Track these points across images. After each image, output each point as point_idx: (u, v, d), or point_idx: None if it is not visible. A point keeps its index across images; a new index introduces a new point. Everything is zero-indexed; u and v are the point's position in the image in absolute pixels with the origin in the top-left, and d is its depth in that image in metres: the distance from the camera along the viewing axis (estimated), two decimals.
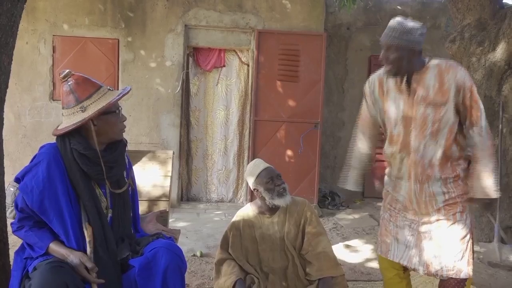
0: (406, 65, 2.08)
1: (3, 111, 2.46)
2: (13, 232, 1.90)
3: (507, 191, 4.10)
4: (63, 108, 1.87)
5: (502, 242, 3.97)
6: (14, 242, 2.50)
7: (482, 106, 2.09)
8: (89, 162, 1.84)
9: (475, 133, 2.09)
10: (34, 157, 1.89)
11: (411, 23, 2.05)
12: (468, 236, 2.14)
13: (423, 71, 2.11)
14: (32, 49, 5.33)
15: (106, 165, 1.87)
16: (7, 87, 2.45)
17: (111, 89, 1.90)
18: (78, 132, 1.83)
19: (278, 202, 2.34)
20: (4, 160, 2.49)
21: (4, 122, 2.49)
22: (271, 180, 2.35)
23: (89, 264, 1.76)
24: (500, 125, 4.05)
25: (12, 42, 2.39)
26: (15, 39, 2.44)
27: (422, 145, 2.13)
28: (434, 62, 2.13)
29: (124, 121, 1.96)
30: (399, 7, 6.42)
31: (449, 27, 6.21)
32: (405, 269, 2.36)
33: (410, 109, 2.14)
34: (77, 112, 1.82)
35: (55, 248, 1.81)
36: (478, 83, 4.17)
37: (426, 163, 2.13)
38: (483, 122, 2.09)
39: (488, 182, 2.07)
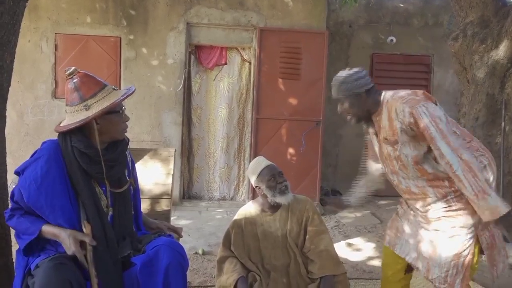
0: (360, 110, 2.15)
1: (6, 109, 2.46)
2: (6, 221, 1.89)
3: (510, 189, 4.09)
4: (66, 105, 1.87)
5: (505, 240, 3.95)
6: None
7: (433, 130, 1.93)
8: (89, 160, 1.84)
9: (439, 159, 1.98)
10: (35, 152, 1.89)
11: (344, 73, 2.17)
12: (467, 251, 2.06)
13: (379, 112, 2.14)
14: (34, 47, 5.33)
15: (106, 164, 1.86)
16: (9, 85, 2.45)
17: (115, 88, 1.90)
18: (80, 130, 1.83)
19: (280, 199, 2.35)
20: (7, 158, 2.50)
21: (7, 120, 2.50)
22: (273, 178, 2.35)
23: (85, 238, 1.77)
24: (503, 123, 4.04)
25: (14, 40, 2.40)
26: (17, 37, 2.44)
27: (401, 178, 2.17)
28: (385, 99, 2.13)
29: (127, 121, 1.96)
30: (401, 4, 6.40)
31: (451, 25, 6.19)
32: (408, 270, 2.34)
33: (380, 149, 2.22)
34: (80, 110, 1.82)
35: (47, 229, 1.80)
36: (481, 81, 4.16)
37: (415, 191, 2.15)
38: (441, 144, 1.92)
39: (489, 203, 1.89)
